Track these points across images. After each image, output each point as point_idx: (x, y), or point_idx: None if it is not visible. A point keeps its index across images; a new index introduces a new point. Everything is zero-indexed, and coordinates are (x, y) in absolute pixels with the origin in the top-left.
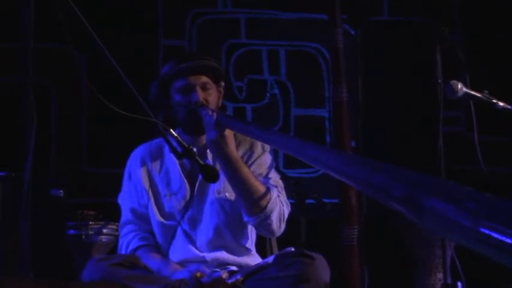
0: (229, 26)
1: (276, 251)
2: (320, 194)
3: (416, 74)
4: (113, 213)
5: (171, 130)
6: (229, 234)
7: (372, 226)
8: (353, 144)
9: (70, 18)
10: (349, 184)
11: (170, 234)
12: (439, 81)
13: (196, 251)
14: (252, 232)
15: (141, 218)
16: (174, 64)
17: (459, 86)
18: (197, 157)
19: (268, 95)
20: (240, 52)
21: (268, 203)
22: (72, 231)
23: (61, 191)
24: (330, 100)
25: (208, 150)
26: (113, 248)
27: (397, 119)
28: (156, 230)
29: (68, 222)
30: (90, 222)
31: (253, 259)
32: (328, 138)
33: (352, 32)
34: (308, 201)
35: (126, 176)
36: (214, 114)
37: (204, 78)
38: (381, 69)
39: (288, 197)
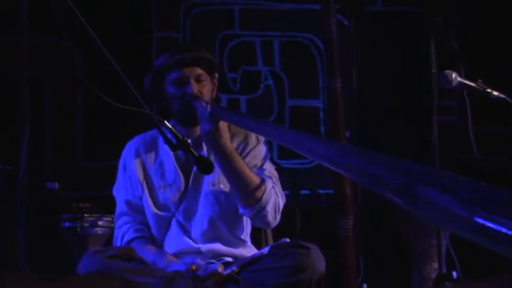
0: (222, 17)
1: (271, 242)
2: (315, 184)
3: (410, 64)
4: (108, 206)
5: (166, 122)
6: (224, 225)
7: (367, 216)
8: (347, 134)
9: (64, 11)
10: (344, 175)
11: (165, 226)
12: (434, 71)
13: (191, 243)
14: (247, 223)
15: (136, 210)
16: (168, 56)
17: (453, 76)
18: (192, 149)
19: (262, 86)
20: (233, 43)
21: (263, 194)
22: (67, 224)
23: (56, 184)
24: (324, 90)
25: (203, 142)
26: (108, 240)
27: (391, 109)
28: (150, 221)
29: (63, 215)
30: (86, 215)
31: (249, 250)
32: (322, 129)
33: (346, 23)
34: (303, 192)
35: (120, 167)
36: (208, 106)
37: (198, 70)
38: (375, 59)
39: (283, 188)
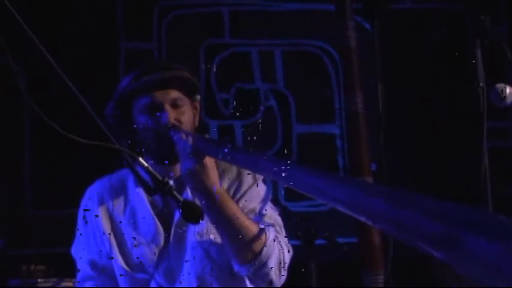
0: (208, 21)
1: None
2: (333, 232)
3: (451, 76)
4: (67, 267)
5: (140, 159)
6: (218, 285)
7: (401, 271)
8: (373, 167)
9: (6, 22)
10: (367, 223)
11: None
12: (481, 84)
13: None
14: (247, 283)
15: (103, 272)
16: (134, 77)
17: (508, 91)
18: (175, 192)
19: (262, 108)
20: (224, 55)
21: (263, 247)
22: None
23: (0, 241)
24: (341, 112)
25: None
26: None
27: (428, 133)
28: (122, 285)
29: (10, 281)
30: (39, 280)
31: None
32: (341, 161)
33: (367, 26)
34: (318, 241)
35: (80, 219)
36: (190, 137)
37: (175, 93)
38: (405, 71)
39: (293, 237)
